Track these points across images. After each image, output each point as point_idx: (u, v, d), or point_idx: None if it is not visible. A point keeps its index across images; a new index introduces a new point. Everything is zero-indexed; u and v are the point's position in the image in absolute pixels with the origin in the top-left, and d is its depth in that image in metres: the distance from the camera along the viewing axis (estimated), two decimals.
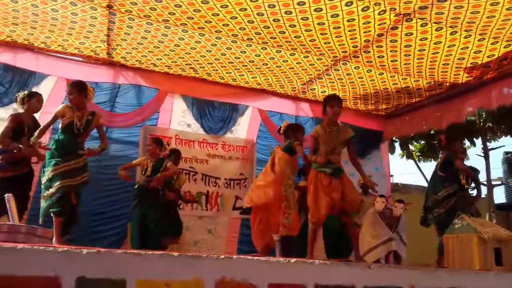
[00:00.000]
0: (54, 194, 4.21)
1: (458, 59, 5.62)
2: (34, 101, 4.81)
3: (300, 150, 4.71)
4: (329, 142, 4.35)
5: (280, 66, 6.19)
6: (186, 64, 6.31)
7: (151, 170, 5.43)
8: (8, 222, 2.67)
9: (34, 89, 5.92)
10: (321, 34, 5.11)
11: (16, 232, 2.39)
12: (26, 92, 4.93)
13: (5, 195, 2.76)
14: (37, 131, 4.44)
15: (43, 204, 4.30)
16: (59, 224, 4.23)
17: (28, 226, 2.52)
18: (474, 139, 10.95)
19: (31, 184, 4.82)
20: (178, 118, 6.97)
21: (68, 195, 4.28)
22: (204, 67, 6.38)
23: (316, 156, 4.36)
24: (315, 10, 4.59)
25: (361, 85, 6.73)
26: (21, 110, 4.85)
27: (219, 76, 6.69)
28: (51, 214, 4.28)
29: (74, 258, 1.80)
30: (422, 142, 11.62)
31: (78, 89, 4.57)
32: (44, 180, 4.34)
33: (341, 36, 5.15)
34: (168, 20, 5.02)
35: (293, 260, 2.35)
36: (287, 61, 6.00)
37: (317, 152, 4.44)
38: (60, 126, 4.58)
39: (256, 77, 6.65)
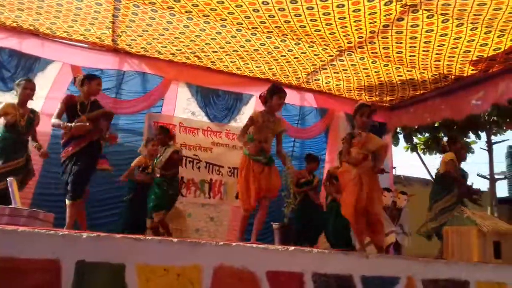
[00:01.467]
0: None
1: (464, 51, 5.58)
2: (93, 84, 4.63)
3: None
4: (264, 131, 4.35)
5: (285, 56, 6.18)
6: (191, 52, 6.31)
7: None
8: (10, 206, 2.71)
9: (39, 74, 5.96)
10: (326, 24, 5.08)
11: (18, 216, 2.42)
12: (85, 74, 4.87)
13: (7, 179, 2.79)
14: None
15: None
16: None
17: (30, 210, 2.55)
18: (479, 132, 10.90)
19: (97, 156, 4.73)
20: (182, 106, 7.00)
21: None
22: (209, 55, 6.37)
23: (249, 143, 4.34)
24: (320, 0, 4.57)
25: (366, 76, 6.71)
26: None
27: (223, 65, 6.69)
28: None
29: (74, 241, 1.83)
30: (427, 135, 11.58)
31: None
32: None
33: (346, 27, 5.13)
34: (173, 8, 5.01)
35: (292, 248, 2.37)
36: (292, 50, 5.98)
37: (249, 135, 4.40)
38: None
39: (260, 66, 6.64)
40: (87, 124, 4.31)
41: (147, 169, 5.65)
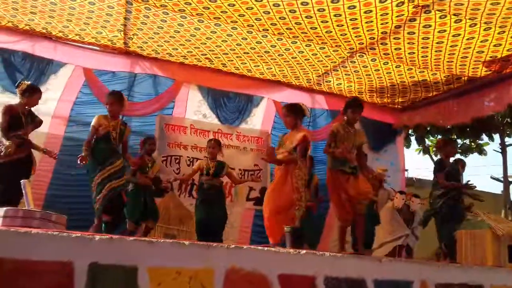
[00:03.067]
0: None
1: (477, 52, 5.52)
2: (35, 97, 4.82)
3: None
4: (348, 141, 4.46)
5: (296, 58, 6.16)
6: (202, 55, 6.32)
7: (214, 170, 5.69)
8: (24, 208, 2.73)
9: (52, 77, 6.02)
10: (337, 25, 5.06)
11: (31, 218, 2.44)
12: (29, 84, 4.89)
13: (21, 181, 2.81)
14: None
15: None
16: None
17: (43, 212, 2.56)
18: (492, 134, 10.78)
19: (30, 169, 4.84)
20: (193, 108, 7.01)
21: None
22: (220, 58, 6.38)
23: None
24: (331, 1, 4.55)
25: (378, 77, 6.67)
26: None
27: (234, 67, 6.69)
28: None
29: (87, 244, 1.83)
30: (439, 136, 11.48)
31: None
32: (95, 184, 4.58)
33: (357, 28, 5.10)
34: (184, 10, 5.03)
35: (303, 251, 2.36)
36: (303, 52, 5.97)
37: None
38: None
39: (271, 68, 6.63)
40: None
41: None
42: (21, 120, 4.64)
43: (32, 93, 4.75)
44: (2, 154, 4.45)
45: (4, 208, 2.45)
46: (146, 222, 5.46)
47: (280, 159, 4.27)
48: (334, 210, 4.58)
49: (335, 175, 4.37)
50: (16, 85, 4.83)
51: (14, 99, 5.85)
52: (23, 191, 2.81)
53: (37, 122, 4.91)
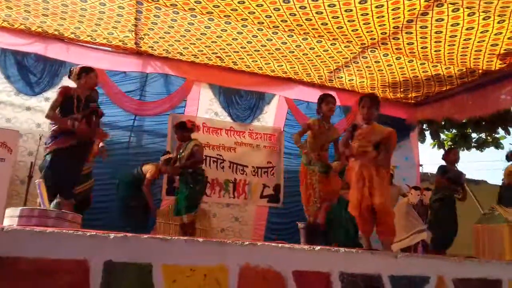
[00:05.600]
0: None
1: (491, 45, 5.44)
2: (92, 75, 4.46)
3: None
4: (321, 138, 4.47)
5: (307, 54, 6.13)
6: (213, 53, 6.32)
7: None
8: (39, 207, 2.75)
9: (64, 79, 6.07)
10: (348, 21, 5.02)
11: (47, 217, 2.46)
12: (81, 66, 4.58)
13: (35, 181, 2.83)
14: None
15: None
16: None
17: (59, 211, 2.59)
18: (509, 127, 10.61)
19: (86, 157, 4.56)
20: (205, 106, 7.03)
21: None
22: (230, 56, 6.38)
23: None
24: None
25: (390, 72, 6.61)
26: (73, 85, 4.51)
27: (245, 65, 6.68)
28: None
29: (102, 242, 1.84)
30: (454, 131, 11.35)
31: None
32: None
33: (369, 23, 5.06)
34: (194, 9, 5.03)
35: (318, 247, 2.34)
36: (314, 48, 5.93)
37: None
38: None
39: (282, 65, 6.61)
40: (88, 129, 4.20)
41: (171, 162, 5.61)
42: (73, 105, 4.24)
43: (88, 73, 4.42)
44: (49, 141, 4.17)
45: (20, 208, 2.48)
46: None
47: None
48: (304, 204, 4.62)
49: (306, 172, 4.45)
50: (68, 75, 4.56)
51: (28, 101, 5.95)
52: (38, 191, 2.83)
53: (92, 109, 4.40)
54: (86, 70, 4.44)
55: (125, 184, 5.60)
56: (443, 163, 6.05)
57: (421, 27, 5.12)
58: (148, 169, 5.53)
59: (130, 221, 5.32)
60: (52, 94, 6.02)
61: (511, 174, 5.81)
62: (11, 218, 2.45)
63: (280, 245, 2.29)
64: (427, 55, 5.87)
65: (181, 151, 5.52)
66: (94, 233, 1.85)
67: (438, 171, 5.99)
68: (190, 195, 5.28)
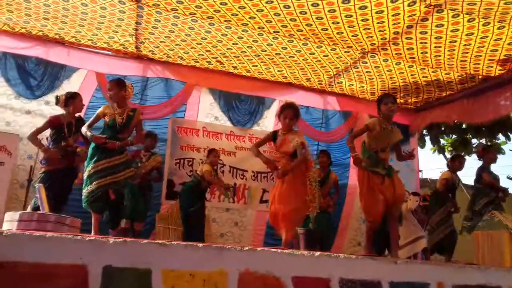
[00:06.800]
0: (94, 191, 4.25)
1: (491, 51, 5.45)
2: (78, 101, 4.88)
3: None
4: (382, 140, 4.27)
5: (307, 59, 6.14)
6: (213, 58, 6.33)
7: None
8: (39, 211, 2.75)
9: (65, 82, 6.09)
10: (348, 26, 5.03)
11: (46, 221, 2.45)
12: (66, 93, 4.95)
13: (35, 185, 2.83)
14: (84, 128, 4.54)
15: (83, 199, 4.32)
16: (96, 220, 4.30)
17: (58, 216, 2.58)
18: (509, 133, 10.62)
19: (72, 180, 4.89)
20: (205, 111, 7.04)
21: (106, 194, 4.32)
22: (231, 60, 6.39)
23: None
24: (342, 2, 4.52)
25: (390, 78, 6.61)
26: (61, 111, 4.90)
27: (245, 69, 6.69)
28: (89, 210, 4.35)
29: (101, 247, 1.83)
30: (454, 136, 11.35)
31: (118, 85, 4.59)
32: (85, 175, 4.37)
33: (369, 29, 5.07)
34: (194, 14, 5.04)
35: (317, 253, 2.34)
36: (314, 54, 5.94)
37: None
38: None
39: (282, 70, 6.62)
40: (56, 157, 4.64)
41: None
42: (64, 131, 4.71)
43: (74, 99, 4.83)
44: (43, 163, 4.61)
45: (19, 212, 2.47)
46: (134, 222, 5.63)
47: (294, 166, 4.11)
48: (364, 211, 4.38)
49: (368, 176, 4.20)
50: (55, 102, 4.91)
51: (28, 104, 5.96)
52: (38, 195, 2.83)
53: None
54: (73, 96, 4.83)
55: (185, 193, 5.98)
56: (446, 169, 6.19)
57: (421, 32, 5.13)
58: (204, 171, 5.91)
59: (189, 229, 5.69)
60: (53, 97, 6.05)
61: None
62: (10, 222, 2.44)
63: (279, 250, 2.28)
64: (427, 60, 5.88)
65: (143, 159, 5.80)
66: (94, 237, 1.85)
67: (483, 171, 6.24)
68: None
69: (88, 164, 4.32)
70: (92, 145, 4.40)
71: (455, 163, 6.51)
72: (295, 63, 6.32)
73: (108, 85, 4.70)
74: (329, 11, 4.70)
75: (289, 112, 4.09)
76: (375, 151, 4.20)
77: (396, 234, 4.25)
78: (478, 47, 5.38)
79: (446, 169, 6.77)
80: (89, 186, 4.23)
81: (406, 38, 5.31)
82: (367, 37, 5.30)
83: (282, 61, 6.28)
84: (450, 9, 4.59)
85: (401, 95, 7.29)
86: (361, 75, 6.61)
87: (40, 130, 4.75)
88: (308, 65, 6.36)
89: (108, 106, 4.60)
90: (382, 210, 4.13)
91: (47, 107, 5.99)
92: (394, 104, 4.27)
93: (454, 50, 5.50)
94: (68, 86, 6.08)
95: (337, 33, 5.23)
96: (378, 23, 4.92)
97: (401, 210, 4.41)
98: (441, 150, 11.80)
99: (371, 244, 4.35)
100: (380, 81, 6.75)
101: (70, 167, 4.74)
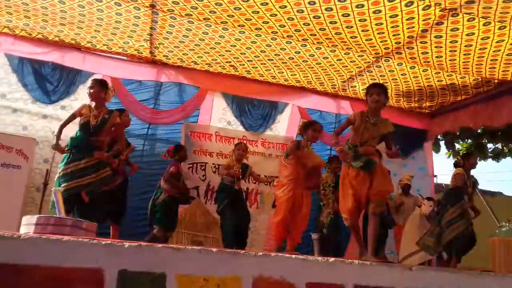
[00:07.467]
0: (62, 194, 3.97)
1: (507, 54, 5.38)
2: (123, 116, 5.04)
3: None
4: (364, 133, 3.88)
5: (320, 63, 6.13)
6: (226, 62, 6.36)
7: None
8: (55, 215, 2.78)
9: (80, 87, 6.15)
10: (362, 30, 5.02)
11: (63, 225, 2.48)
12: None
13: (52, 189, 2.87)
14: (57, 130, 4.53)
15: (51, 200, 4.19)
16: None
17: (74, 219, 2.61)
18: None
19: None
20: (218, 116, 7.05)
21: (73, 197, 4.05)
22: (244, 65, 6.41)
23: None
24: (356, 6, 4.51)
25: (404, 82, 6.57)
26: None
27: (258, 74, 6.70)
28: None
29: (116, 251, 1.84)
30: (469, 141, 11.21)
31: (99, 85, 4.51)
32: (56, 177, 4.25)
33: (383, 33, 5.05)
34: (209, 19, 5.07)
35: (332, 259, 2.32)
36: (327, 58, 5.93)
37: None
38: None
39: (295, 74, 6.62)
40: None
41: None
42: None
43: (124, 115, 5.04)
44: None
45: (36, 216, 2.50)
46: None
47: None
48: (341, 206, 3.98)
49: (347, 170, 3.85)
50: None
51: (44, 109, 6.03)
52: (55, 199, 2.86)
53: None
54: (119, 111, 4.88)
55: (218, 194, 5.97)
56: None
57: (435, 36, 5.10)
58: (224, 165, 5.95)
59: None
60: (69, 102, 6.13)
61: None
62: (27, 226, 2.47)
63: (293, 256, 2.27)
64: (442, 64, 5.83)
65: None
66: (110, 241, 1.86)
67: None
68: None
69: (60, 166, 4.25)
70: (68, 147, 4.33)
71: (468, 161, 5.98)
72: (309, 67, 6.31)
73: (90, 82, 4.61)
74: (342, 15, 4.69)
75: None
76: (355, 145, 3.87)
77: (372, 234, 3.70)
78: (494, 51, 5.32)
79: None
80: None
81: (421, 42, 5.27)
82: (381, 41, 5.28)
83: (295, 65, 6.28)
84: (465, 13, 4.56)
85: (416, 99, 7.24)
86: (375, 79, 6.57)
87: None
88: (322, 69, 6.36)
89: (86, 106, 4.47)
90: (351, 205, 3.74)
91: (63, 112, 6.06)
92: (380, 95, 3.86)
93: (469, 54, 5.45)
94: (84, 91, 6.12)
95: (351, 37, 5.22)
96: (392, 27, 4.90)
97: (382, 209, 3.95)
98: (456, 155, 11.66)
99: (360, 240, 3.94)
100: (394, 85, 6.71)
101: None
